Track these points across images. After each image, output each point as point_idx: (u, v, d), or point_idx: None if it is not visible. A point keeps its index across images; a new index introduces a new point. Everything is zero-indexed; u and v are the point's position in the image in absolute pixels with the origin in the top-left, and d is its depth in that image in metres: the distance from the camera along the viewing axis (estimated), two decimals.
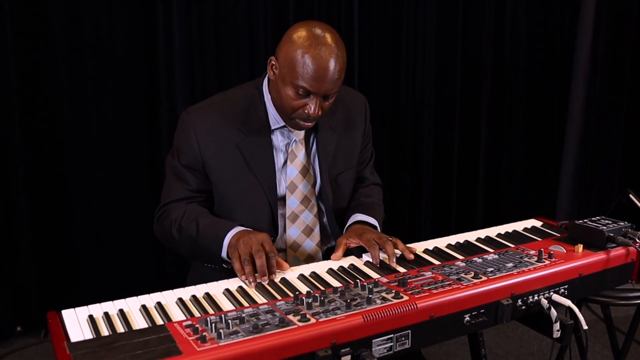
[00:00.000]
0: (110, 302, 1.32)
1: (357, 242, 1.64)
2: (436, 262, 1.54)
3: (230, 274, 1.51)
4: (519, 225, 1.83)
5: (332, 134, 1.78)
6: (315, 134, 1.77)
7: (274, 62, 1.62)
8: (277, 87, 1.62)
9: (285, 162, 1.73)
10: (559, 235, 1.71)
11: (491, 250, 1.61)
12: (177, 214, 1.67)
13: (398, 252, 1.58)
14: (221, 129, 1.68)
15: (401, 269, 1.50)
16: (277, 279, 1.46)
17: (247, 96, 1.72)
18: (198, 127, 1.67)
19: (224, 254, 1.56)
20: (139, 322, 1.25)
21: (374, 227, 1.75)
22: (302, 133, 1.74)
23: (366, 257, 1.59)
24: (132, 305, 1.32)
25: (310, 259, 1.75)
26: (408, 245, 1.65)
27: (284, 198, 1.74)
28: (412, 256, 1.56)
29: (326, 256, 1.81)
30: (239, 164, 1.69)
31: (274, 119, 1.71)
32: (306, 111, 1.59)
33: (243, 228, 1.59)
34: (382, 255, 1.58)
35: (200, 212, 1.67)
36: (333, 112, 1.78)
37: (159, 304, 1.33)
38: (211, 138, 1.67)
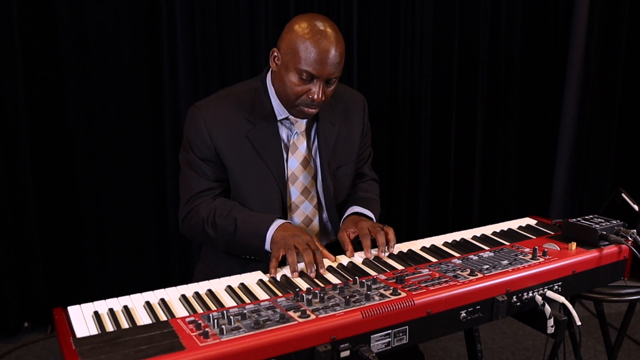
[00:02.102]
0: (115, 299, 1.32)
1: (354, 230, 1.66)
2: (433, 260, 1.54)
3: (245, 266, 1.51)
4: (514, 224, 1.83)
5: (332, 127, 1.80)
6: (316, 127, 1.78)
7: (276, 54, 1.64)
8: (280, 76, 1.63)
9: (287, 153, 1.74)
10: (553, 233, 1.71)
11: (487, 248, 1.61)
12: (207, 211, 1.68)
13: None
14: (230, 120, 1.69)
15: (399, 266, 1.50)
16: (278, 276, 1.46)
17: (252, 88, 1.74)
18: (208, 119, 1.68)
19: (267, 247, 1.59)
20: (143, 318, 1.25)
21: (370, 218, 1.77)
22: (303, 125, 1.75)
23: (361, 254, 1.60)
24: (136, 301, 1.32)
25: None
26: (405, 243, 1.66)
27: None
28: (393, 250, 1.58)
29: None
30: (250, 153, 1.70)
31: (278, 111, 1.72)
32: (310, 96, 1.60)
33: (283, 221, 1.61)
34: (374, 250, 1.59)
35: (232, 207, 1.68)
36: (333, 107, 1.80)
37: (162, 300, 1.33)
38: (221, 129, 1.68)
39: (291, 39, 1.57)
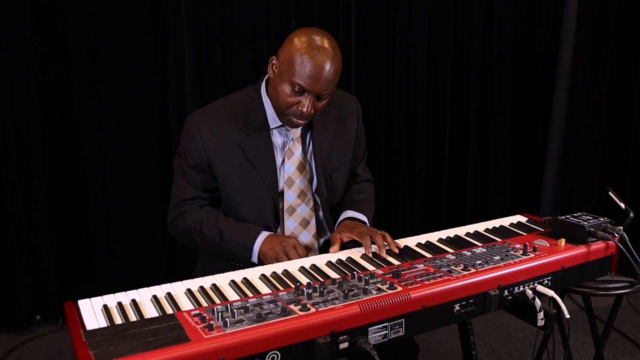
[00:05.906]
0: (123, 293, 1.33)
1: (349, 235, 1.65)
2: (428, 255, 1.54)
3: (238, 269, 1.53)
4: (505, 221, 1.83)
5: (326, 133, 1.79)
6: (310, 132, 1.78)
7: (274, 62, 1.64)
8: (275, 84, 1.63)
9: (283, 159, 1.74)
10: (543, 230, 1.71)
11: (479, 244, 1.62)
12: (194, 219, 1.69)
13: (387, 244, 1.60)
14: (224, 130, 1.69)
15: (395, 262, 1.51)
16: (279, 271, 1.46)
17: (246, 99, 1.74)
18: (202, 129, 1.68)
19: (254, 259, 1.62)
20: (150, 312, 1.25)
21: (364, 222, 1.76)
22: (298, 131, 1.75)
23: (359, 250, 1.60)
24: (143, 295, 1.32)
25: (307, 249, 1.76)
26: (401, 239, 1.66)
27: (282, 192, 1.75)
28: (397, 250, 1.57)
29: (323, 248, 1.83)
30: (242, 162, 1.69)
31: (272, 119, 1.72)
32: (300, 108, 1.60)
33: (268, 233, 1.64)
34: (373, 247, 1.59)
35: (218, 218, 1.70)
36: (327, 113, 1.79)
37: (169, 294, 1.33)
38: (215, 139, 1.68)
39: (289, 51, 1.57)
